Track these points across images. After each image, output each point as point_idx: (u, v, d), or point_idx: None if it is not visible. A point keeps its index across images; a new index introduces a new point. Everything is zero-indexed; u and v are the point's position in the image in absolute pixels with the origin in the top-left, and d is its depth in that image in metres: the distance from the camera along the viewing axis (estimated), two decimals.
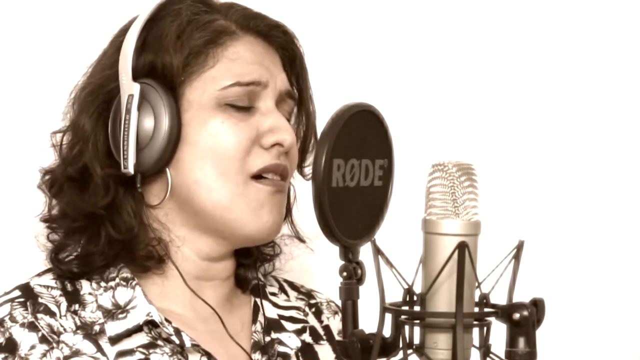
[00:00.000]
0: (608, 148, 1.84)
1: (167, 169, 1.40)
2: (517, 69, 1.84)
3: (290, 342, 1.50)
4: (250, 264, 1.52)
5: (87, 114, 1.42)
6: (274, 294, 1.58)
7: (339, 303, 1.50)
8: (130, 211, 1.40)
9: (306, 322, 1.56)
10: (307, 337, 1.54)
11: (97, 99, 1.43)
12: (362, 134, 1.23)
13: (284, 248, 1.59)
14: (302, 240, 1.58)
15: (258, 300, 1.51)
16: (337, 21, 1.84)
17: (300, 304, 1.59)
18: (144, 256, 1.41)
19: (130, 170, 1.38)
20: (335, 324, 1.62)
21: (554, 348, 1.58)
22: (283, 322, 1.52)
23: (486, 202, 1.36)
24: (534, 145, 1.78)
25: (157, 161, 1.39)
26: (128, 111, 1.38)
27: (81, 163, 1.42)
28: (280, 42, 1.48)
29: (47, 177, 1.46)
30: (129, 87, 1.38)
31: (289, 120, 1.48)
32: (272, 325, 1.50)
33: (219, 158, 1.39)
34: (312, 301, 1.63)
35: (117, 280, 1.41)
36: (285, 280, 1.64)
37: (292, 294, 1.60)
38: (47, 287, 1.41)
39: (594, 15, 1.87)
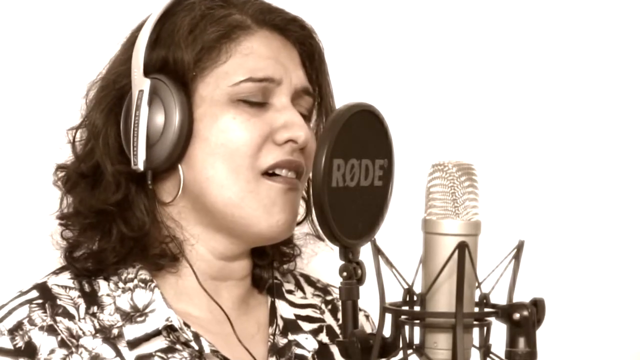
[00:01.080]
0: (607, 148, 1.84)
1: (180, 166, 1.40)
2: (516, 69, 1.84)
3: (307, 344, 1.49)
4: (266, 265, 1.51)
5: (98, 110, 1.42)
6: (290, 292, 1.55)
7: (371, 308, 1.50)
8: (142, 208, 1.39)
9: (323, 320, 1.55)
10: (323, 337, 1.53)
11: (109, 95, 1.42)
12: (362, 134, 1.23)
13: (305, 247, 1.58)
14: (321, 239, 1.56)
15: (275, 300, 1.50)
16: (337, 21, 1.85)
17: (317, 300, 1.57)
18: (157, 254, 1.40)
19: (140, 166, 1.37)
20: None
21: (554, 348, 1.58)
22: (300, 322, 1.51)
23: (486, 202, 1.37)
24: (534, 145, 1.79)
25: (167, 157, 1.38)
26: (138, 107, 1.37)
27: (94, 160, 1.41)
28: (297, 36, 1.46)
29: (60, 173, 1.45)
30: (140, 83, 1.37)
31: (307, 117, 1.46)
32: (289, 327, 1.49)
33: (230, 154, 1.38)
34: (329, 297, 1.61)
35: (136, 281, 1.40)
36: (302, 275, 1.62)
37: (309, 290, 1.59)
38: (65, 287, 1.39)
39: (593, 16, 1.87)
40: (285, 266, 1.55)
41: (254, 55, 1.40)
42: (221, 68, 1.39)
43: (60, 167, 1.45)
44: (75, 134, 1.44)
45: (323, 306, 1.58)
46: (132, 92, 1.38)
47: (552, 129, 1.82)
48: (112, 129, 1.41)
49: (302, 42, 1.47)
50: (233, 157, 1.38)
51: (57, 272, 1.44)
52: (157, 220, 1.41)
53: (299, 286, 1.60)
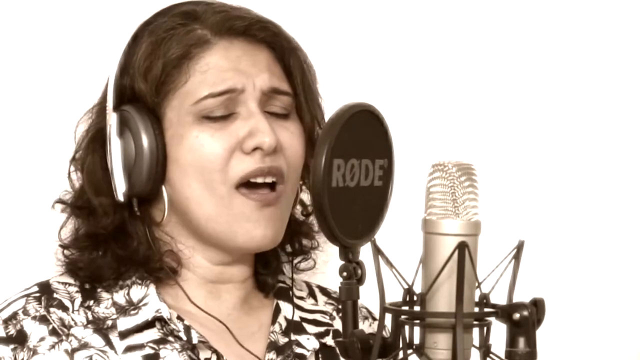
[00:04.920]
0: (607, 148, 1.84)
1: (163, 187, 1.42)
2: (516, 69, 1.84)
3: (308, 343, 1.49)
4: (270, 272, 1.52)
5: (83, 145, 1.46)
6: (301, 298, 1.58)
7: (371, 308, 1.50)
8: (137, 232, 1.44)
9: (331, 325, 1.56)
10: (329, 340, 1.53)
11: (89, 131, 1.46)
12: (362, 134, 1.22)
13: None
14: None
15: (280, 302, 1.51)
16: (337, 21, 1.84)
17: (329, 308, 1.60)
18: (157, 268, 1.44)
19: (120, 198, 1.41)
20: (365, 328, 1.61)
21: (554, 348, 1.58)
22: (305, 324, 1.52)
23: (486, 202, 1.37)
24: (534, 145, 1.79)
25: (146, 183, 1.42)
26: (109, 141, 1.41)
27: (85, 193, 1.45)
28: (262, 37, 1.46)
29: (60, 206, 1.49)
30: (110, 117, 1.42)
31: (285, 115, 1.46)
32: (292, 328, 1.50)
33: (200, 172, 1.40)
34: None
35: (133, 278, 1.44)
36: (318, 286, 1.63)
37: (322, 298, 1.61)
38: (65, 284, 1.45)
39: (593, 16, 1.87)
40: (304, 263, 1.56)
41: (212, 71, 1.40)
42: (183, 89, 1.40)
43: (58, 201, 1.49)
44: (70, 167, 1.48)
45: (334, 313, 1.59)
46: (106, 126, 1.43)
47: (551, 129, 1.82)
48: (96, 162, 1.44)
49: (270, 42, 1.47)
50: (203, 175, 1.40)
51: (63, 274, 1.49)
52: (156, 238, 1.45)
53: (312, 295, 1.60)
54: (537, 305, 1.27)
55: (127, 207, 1.44)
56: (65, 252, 1.47)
